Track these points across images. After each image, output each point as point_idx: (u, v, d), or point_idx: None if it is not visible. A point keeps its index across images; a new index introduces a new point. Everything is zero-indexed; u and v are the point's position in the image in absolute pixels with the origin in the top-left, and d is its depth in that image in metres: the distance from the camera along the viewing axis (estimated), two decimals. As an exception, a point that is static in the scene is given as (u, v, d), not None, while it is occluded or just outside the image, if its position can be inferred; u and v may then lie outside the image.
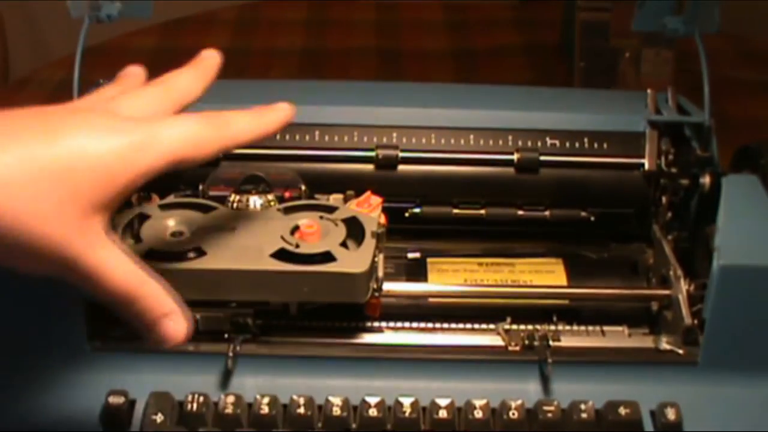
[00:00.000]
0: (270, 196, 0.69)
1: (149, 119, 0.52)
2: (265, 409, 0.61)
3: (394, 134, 0.75)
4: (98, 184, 0.48)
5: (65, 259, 0.48)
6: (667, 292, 0.69)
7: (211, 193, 0.71)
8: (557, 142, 0.75)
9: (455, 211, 0.75)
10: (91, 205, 0.48)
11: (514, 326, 0.68)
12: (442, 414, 0.61)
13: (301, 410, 0.61)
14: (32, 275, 0.48)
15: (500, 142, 0.75)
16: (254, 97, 0.79)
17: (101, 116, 0.50)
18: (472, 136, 0.75)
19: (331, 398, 0.61)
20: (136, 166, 0.49)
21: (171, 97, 0.55)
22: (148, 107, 0.54)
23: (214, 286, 0.62)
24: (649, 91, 0.78)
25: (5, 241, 0.46)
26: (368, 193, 0.69)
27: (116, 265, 0.49)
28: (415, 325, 0.69)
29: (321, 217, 0.66)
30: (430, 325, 0.69)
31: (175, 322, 0.51)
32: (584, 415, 0.61)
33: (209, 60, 0.58)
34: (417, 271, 0.72)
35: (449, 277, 0.72)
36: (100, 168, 0.48)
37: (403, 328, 0.69)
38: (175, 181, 0.71)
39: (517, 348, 0.65)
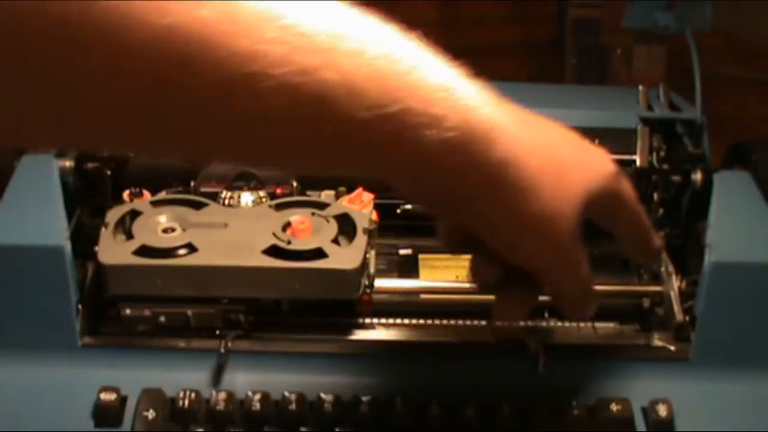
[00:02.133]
0: (261, 193, 0.69)
1: None
2: (257, 406, 0.60)
3: (386, 131, 0.74)
4: None
5: None
6: (658, 288, 0.69)
7: (203, 189, 0.70)
8: (549, 139, 0.75)
9: (447, 207, 0.74)
10: None
11: (506, 323, 0.68)
12: (434, 411, 0.61)
13: (293, 407, 0.60)
14: None
15: (492, 139, 0.75)
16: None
17: None
18: (464, 133, 0.75)
19: (322, 395, 0.61)
20: None
21: None
22: None
23: (206, 282, 0.62)
24: (640, 87, 0.78)
25: None
26: (360, 189, 0.69)
27: None
28: (406, 321, 0.69)
29: (312, 214, 0.66)
30: (421, 321, 0.69)
31: None
32: (576, 412, 0.61)
33: None
34: (408, 268, 0.72)
35: (441, 274, 0.71)
36: None
37: (394, 325, 0.69)
38: (166, 177, 0.71)
39: (509, 345, 0.65)
